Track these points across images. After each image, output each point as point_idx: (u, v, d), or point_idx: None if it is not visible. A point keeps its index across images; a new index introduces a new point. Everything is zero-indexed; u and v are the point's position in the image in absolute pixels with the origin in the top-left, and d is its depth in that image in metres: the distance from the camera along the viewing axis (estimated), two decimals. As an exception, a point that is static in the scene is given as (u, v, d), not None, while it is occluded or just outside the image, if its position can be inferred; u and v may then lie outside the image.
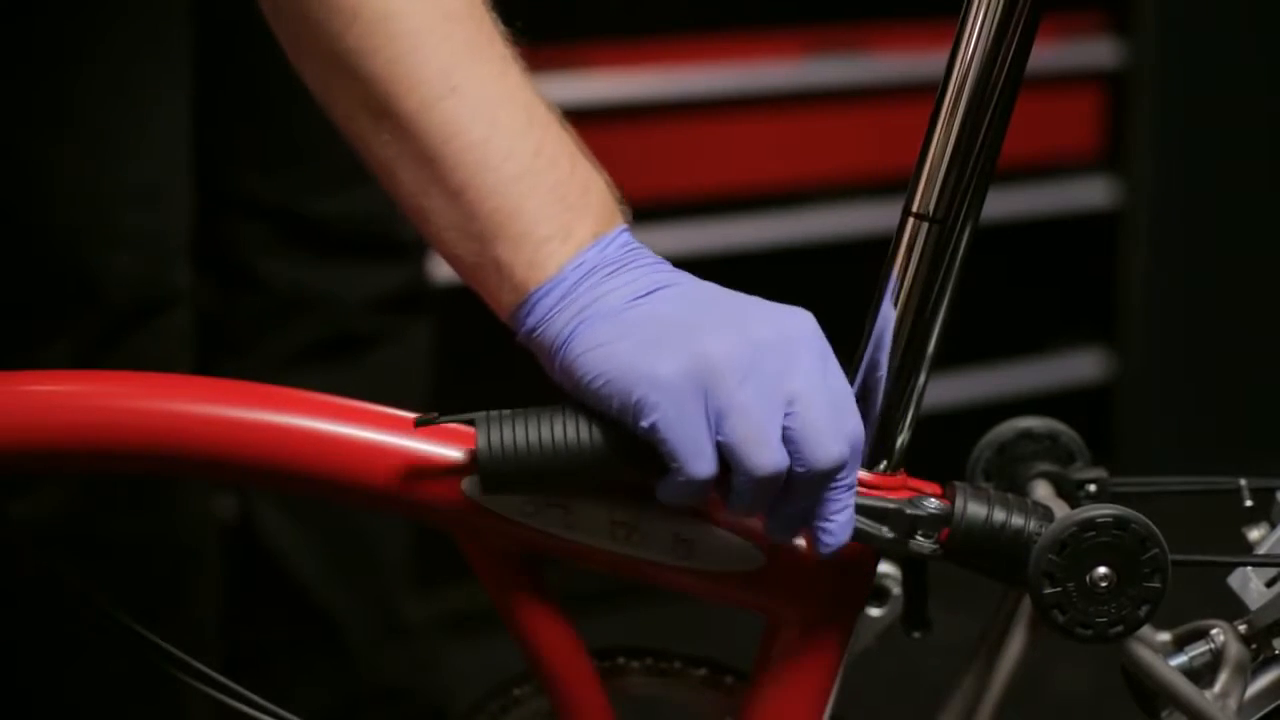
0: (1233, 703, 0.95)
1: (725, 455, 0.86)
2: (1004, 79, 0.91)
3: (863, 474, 0.93)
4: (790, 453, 0.87)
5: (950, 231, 0.92)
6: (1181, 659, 0.96)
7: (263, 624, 1.86)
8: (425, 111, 0.89)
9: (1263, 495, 1.02)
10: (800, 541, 0.93)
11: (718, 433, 0.86)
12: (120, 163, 1.54)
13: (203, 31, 1.61)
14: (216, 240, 1.77)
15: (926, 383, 0.94)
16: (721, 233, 2.52)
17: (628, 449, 0.87)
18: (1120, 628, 0.91)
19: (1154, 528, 0.91)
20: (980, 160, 0.92)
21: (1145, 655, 0.95)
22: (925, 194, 0.92)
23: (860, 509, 0.91)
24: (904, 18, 2.61)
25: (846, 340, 0.94)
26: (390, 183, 0.92)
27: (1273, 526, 0.99)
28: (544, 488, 0.90)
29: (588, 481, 0.91)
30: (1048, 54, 2.68)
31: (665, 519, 0.92)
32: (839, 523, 0.89)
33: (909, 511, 0.91)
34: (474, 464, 0.88)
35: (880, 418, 0.93)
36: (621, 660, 1.05)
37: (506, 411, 0.88)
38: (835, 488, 0.89)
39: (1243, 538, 1.00)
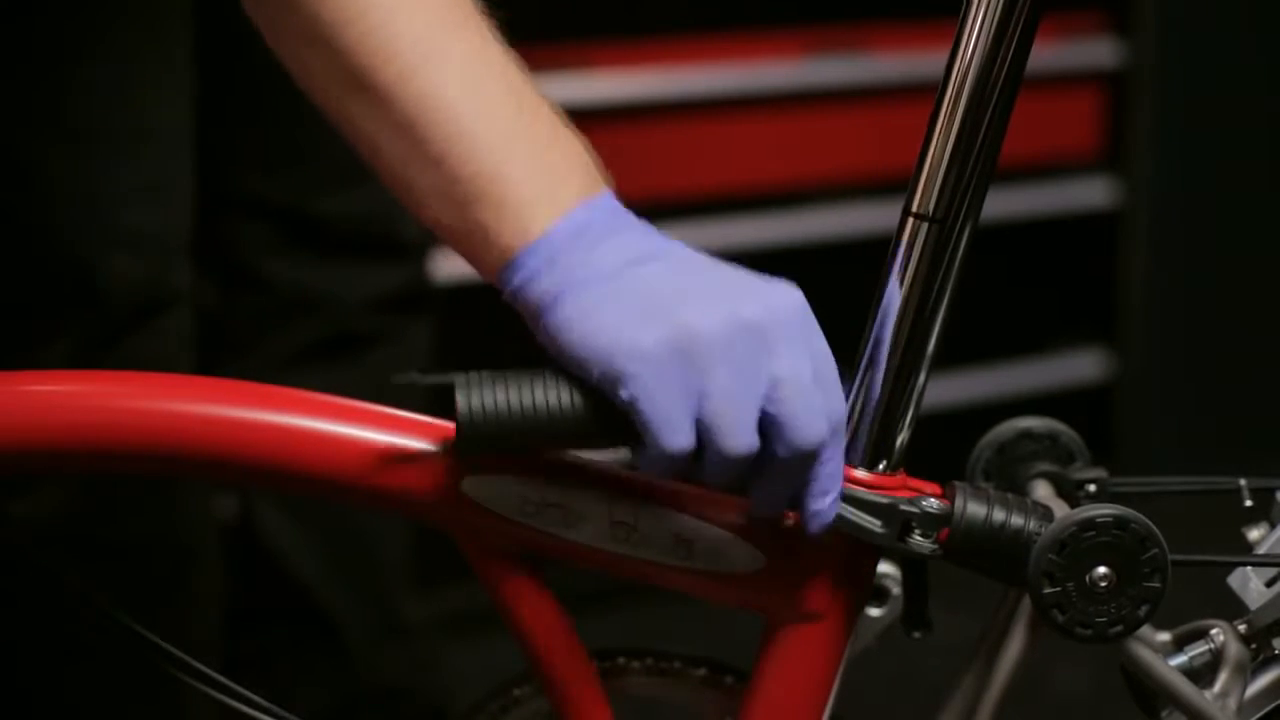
0: (1232, 703, 0.95)
1: (700, 432, 0.86)
2: (1004, 79, 0.91)
3: (862, 474, 0.94)
4: (771, 435, 0.87)
5: (950, 231, 0.92)
6: (1181, 659, 0.96)
7: (263, 624, 1.86)
8: (403, 81, 0.89)
9: (1263, 495, 1.02)
10: (800, 542, 0.94)
11: (696, 408, 0.86)
12: (120, 163, 1.54)
13: (205, 31, 1.61)
14: (218, 240, 1.77)
15: (926, 383, 0.94)
16: (721, 233, 2.52)
17: (606, 417, 0.87)
18: (1120, 628, 0.91)
19: (1154, 528, 0.91)
20: (980, 160, 0.92)
21: (1145, 655, 0.95)
22: (925, 194, 0.92)
23: (858, 506, 0.91)
24: (904, 18, 2.62)
25: (847, 340, 0.94)
26: (372, 156, 0.92)
27: (1273, 526, 0.99)
28: (523, 449, 0.90)
29: (567, 446, 0.91)
30: (1048, 54, 2.68)
31: (665, 519, 0.92)
32: (824, 503, 0.89)
33: (906, 509, 0.91)
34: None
35: (880, 418, 0.93)
36: (621, 660, 1.05)
37: (487, 373, 0.88)
38: (819, 467, 0.89)
39: (1243, 538, 1.00)
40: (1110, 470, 1.04)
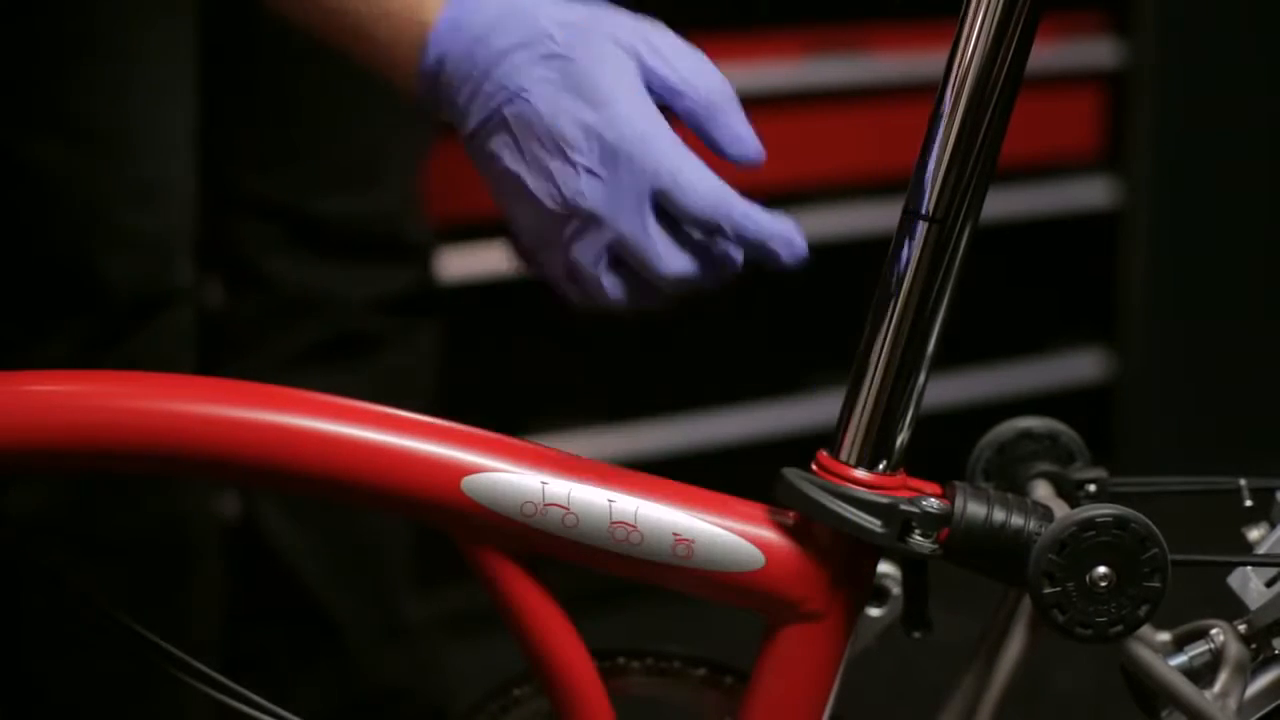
0: (1232, 702, 0.95)
1: None
2: (1004, 79, 0.91)
3: (862, 473, 0.94)
4: (665, 97, 0.92)
5: (950, 231, 0.92)
6: (1181, 659, 0.96)
7: (263, 624, 1.86)
8: None
9: (1263, 495, 1.02)
10: (800, 542, 0.94)
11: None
12: (121, 162, 1.54)
13: (209, 32, 1.61)
14: (222, 240, 1.77)
15: (926, 383, 0.94)
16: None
17: None
18: (1120, 627, 0.91)
19: (1154, 527, 0.91)
20: (980, 160, 0.92)
21: (1145, 655, 0.95)
22: (925, 194, 0.92)
23: (858, 506, 0.92)
24: (904, 18, 2.61)
25: (846, 340, 0.94)
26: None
27: (1273, 526, 0.99)
28: None
29: None
30: (1048, 54, 2.68)
31: (665, 519, 0.93)
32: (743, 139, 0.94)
33: (906, 509, 0.92)
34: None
35: (880, 418, 0.93)
36: (621, 660, 1.05)
37: None
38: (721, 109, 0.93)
39: (1243, 538, 1.00)
40: (1110, 470, 1.04)
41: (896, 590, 1.02)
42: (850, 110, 2.62)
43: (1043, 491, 1.01)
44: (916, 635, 1.01)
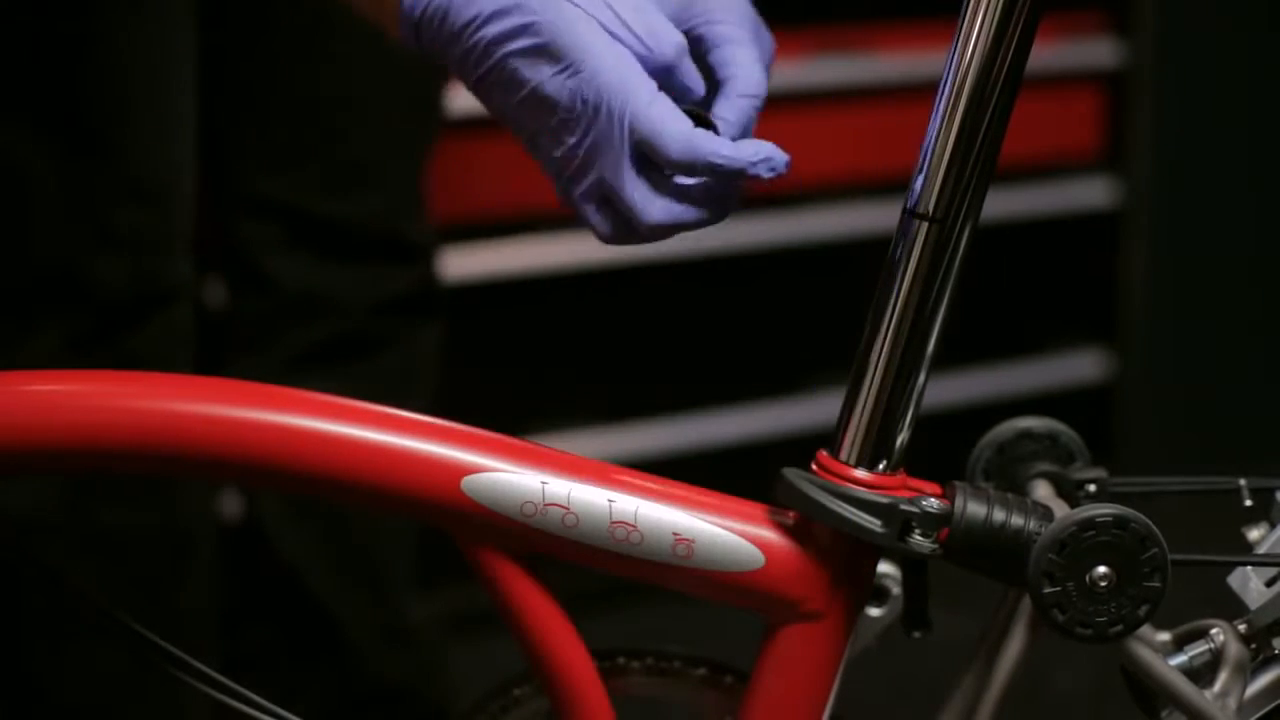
0: (1232, 702, 0.95)
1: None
2: (1004, 79, 0.91)
3: (862, 473, 0.94)
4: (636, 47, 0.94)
5: (950, 231, 0.92)
6: (1181, 659, 0.96)
7: (264, 624, 1.86)
8: None
9: (1263, 495, 1.02)
10: (800, 541, 0.94)
11: None
12: (120, 162, 1.54)
13: (211, 31, 1.61)
14: (225, 240, 1.77)
15: (926, 383, 0.94)
16: (721, 232, 2.52)
17: None
18: (1120, 627, 0.91)
19: (1154, 527, 0.91)
20: (980, 160, 0.92)
21: (1145, 655, 0.95)
22: (925, 194, 0.92)
23: (858, 505, 0.92)
24: (906, 18, 2.61)
25: (846, 340, 0.94)
26: None
27: (1273, 526, 0.99)
28: None
29: None
30: (1048, 54, 2.68)
31: (665, 519, 0.93)
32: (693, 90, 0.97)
33: (906, 508, 0.92)
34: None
35: (880, 418, 0.93)
36: (621, 660, 1.05)
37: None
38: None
39: (1243, 538, 1.00)
40: (1110, 470, 1.04)
41: (896, 590, 1.02)
42: (852, 110, 2.62)
43: (1043, 491, 1.01)
44: (916, 635, 1.01)
